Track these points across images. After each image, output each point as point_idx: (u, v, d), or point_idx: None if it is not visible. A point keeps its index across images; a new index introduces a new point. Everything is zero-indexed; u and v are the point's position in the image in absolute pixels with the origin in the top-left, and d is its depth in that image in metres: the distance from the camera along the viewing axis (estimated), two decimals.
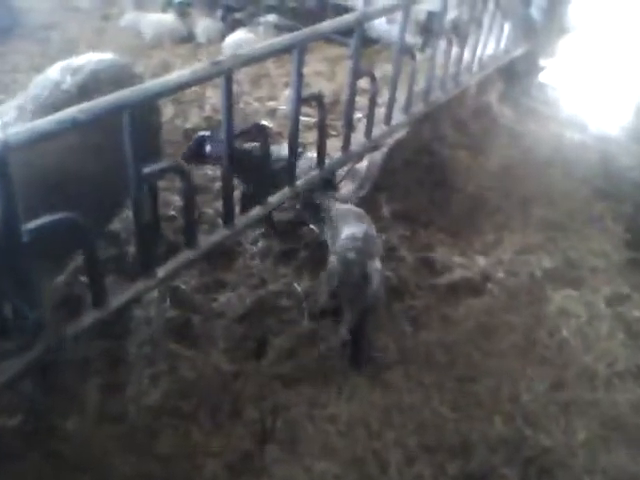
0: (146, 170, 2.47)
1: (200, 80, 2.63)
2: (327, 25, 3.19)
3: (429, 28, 7.65)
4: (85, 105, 2.14)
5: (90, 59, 3.14)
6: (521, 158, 5.16)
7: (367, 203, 4.36)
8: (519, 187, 4.78)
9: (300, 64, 3.07)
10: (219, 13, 7.44)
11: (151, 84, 2.40)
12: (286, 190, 3.37)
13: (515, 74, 6.07)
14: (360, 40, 3.47)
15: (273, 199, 3.29)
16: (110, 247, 3.78)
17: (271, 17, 7.42)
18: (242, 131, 3.10)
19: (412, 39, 7.84)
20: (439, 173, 4.81)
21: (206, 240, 2.92)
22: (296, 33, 2.99)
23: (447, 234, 4.21)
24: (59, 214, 2.19)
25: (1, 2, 7.02)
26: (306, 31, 3.06)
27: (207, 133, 3.81)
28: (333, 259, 3.12)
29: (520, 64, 6.02)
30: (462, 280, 3.74)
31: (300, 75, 3.10)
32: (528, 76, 6.18)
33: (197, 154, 3.77)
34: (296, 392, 2.91)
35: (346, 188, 4.51)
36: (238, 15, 7.58)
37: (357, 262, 3.01)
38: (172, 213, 4.22)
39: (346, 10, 7.97)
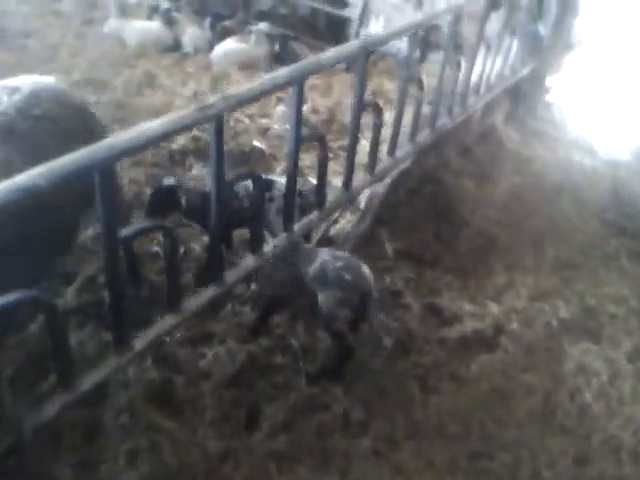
0: (123, 233, 2.11)
1: (186, 127, 2.27)
2: (329, 56, 2.84)
3: (428, 40, 7.34)
4: (46, 168, 1.77)
5: (28, 80, 2.99)
6: (529, 186, 4.84)
7: (368, 238, 4.03)
8: (529, 220, 4.46)
9: (299, 101, 2.72)
10: (207, 21, 7.03)
11: (127, 137, 2.03)
12: (283, 236, 3.01)
13: (520, 93, 5.75)
14: (364, 70, 3.12)
15: (268, 247, 2.93)
16: (85, 292, 3.42)
17: (262, 25, 7.04)
18: (234, 179, 2.73)
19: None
20: (444, 204, 4.48)
21: (191, 302, 2.56)
22: (294, 67, 2.63)
23: (455, 275, 3.87)
24: (20, 293, 1.84)
25: None
26: (305, 64, 2.71)
27: (172, 181, 3.39)
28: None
29: (526, 83, 5.70)
30: (473, 332, 3.41)
31: (299, 113, 2.75)
32: (534, 95, 5.87)
33: (166, 206, 3.37)
34: (293, 476, 2.56)
35: (345, 221, 4.18)
36: (227, 23, 7.19)
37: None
38: (155, 249, 3.86)
39: (340, 20, 7.65)
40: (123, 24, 7.03)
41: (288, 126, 2.83)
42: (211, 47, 6.90)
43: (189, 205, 3.31)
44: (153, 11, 7.23)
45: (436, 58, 7.24)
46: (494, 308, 3.62)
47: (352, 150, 3.30)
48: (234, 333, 3.25)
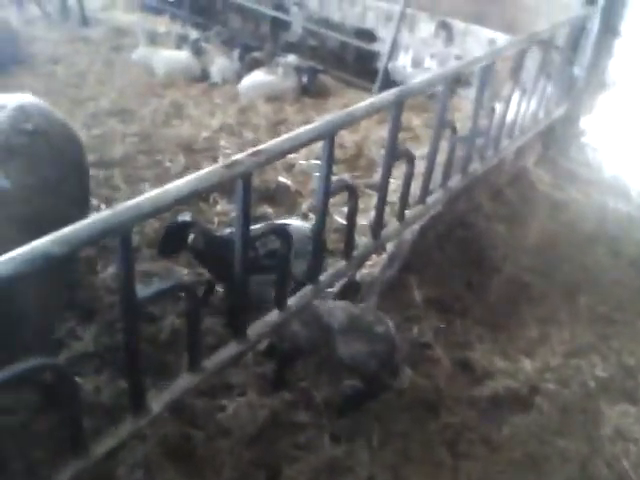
0: (141, 294, 1.99)
1: (212, 187, 2.16)
2: (362, 108, 2.72)
3: (458, 76, 7.24)
4: (61, 234, 1.67)
5: (11, 97, 3.07)
6: (563, 232, 4.68)
7: (396, 285, 3.89)
8: (562, 268, 4.29)
9: (330, 155, 2.60)
10: (236, 52, 7.02)
11: (152, 198, 1.92)
12: (308, 290, 2.89)
13: (554, 134, 5.61)
14: (397, 120, 3.01)
15: (292, 301, 2.80)
16: (103, 336, 3.32)
17: (290, 58, 7.00)
18: (259, 234, 2.59)
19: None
20: (475, 249, 4.34)
21: (212, 360, 2.43)
22: (325, 121, 2.52)
23: (486, 327, 3.71)
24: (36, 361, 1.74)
25: (6, 32, 6.59)
26: (337, 118, 2.59)
27: (188, 218, 3.29)
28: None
29: (559, 124, 5.56)
30: (506, 391, 3.24)
31: (330, 167, 2.63)
32: (567, 136, 5.72)
33: (175, 241, 3.26)
34: None
35: (372, 268, 4.04)
36: (256, 54, 7.16)
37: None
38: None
39: (369, 54, 7.60)
40: (152, 53, 7.04)
41: (318, 173, 2.71)
42: (239, 78, 6.86)
43: (197, 246, 3.21)
44: (182, 40, 7.23)
45: (467, 94, 7.19)
46: (527, 364, 3.45)
47: (382, 200, 3.18)
48: (255, 385, 3.11)
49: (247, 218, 2.30)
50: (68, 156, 3.16)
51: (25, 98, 3.13)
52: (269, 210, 4.69)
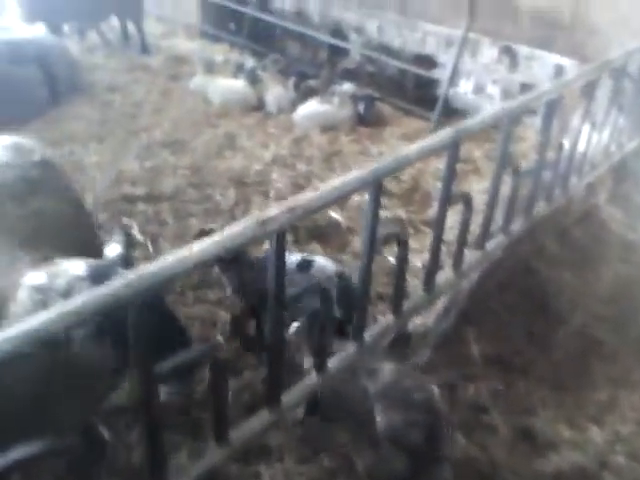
0: (158, 369, 1.81)
1: (243, 245, 1.97)
2: (413, 152, 2.50)
3: None
4: (64, 307, 1.50)
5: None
6: (637, 277, 4.29)
7: (451, 338, 3.61)
8: (638, 321, 3.91)
9: (376, 204, 2.38)
10: (291, 81, 6.90)
11: (173, 262, 1.74)
12: (351, 349, 2.65)
13: (626, 169, 5.21)
14: (454, 160, 2.77)
15: (333, 363, 2.57)
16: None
17: (346, 86, 6.83)
18: (295, 295, 2.37)
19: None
20: (539, 298, 4.00)
21: (242, 431, 2.23)
22: (372, 168, 2.30)
23: (550, 388, 3.38)
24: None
25: (65, 60, 6.68)
26: (387, 164, 2.37)
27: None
28: None
29: (632, 157, 5.16)
30: (572, 467, 2.90)
31: (376, 216, 2.41)
32: None
33: None
34: None
35: (426, 317, 3.77)
36: (312, 82, 7.03)
37: None
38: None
39: (429, 82, 7.35)
40: (208, 81, 7.01)
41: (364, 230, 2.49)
42: (294, 107, 6.74)
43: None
44: (238, 69, 7.17)
45: (532, 122, 6.84)
46: (596, 434, 3.10)
47: (436, 249, 2.93)
48: (293, 449, 2.89)
49: (281, 276, 2.09)
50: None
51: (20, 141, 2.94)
52: (318, 248, 4.48)
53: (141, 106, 6.63)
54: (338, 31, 8.30)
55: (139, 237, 4.24)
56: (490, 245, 3.39)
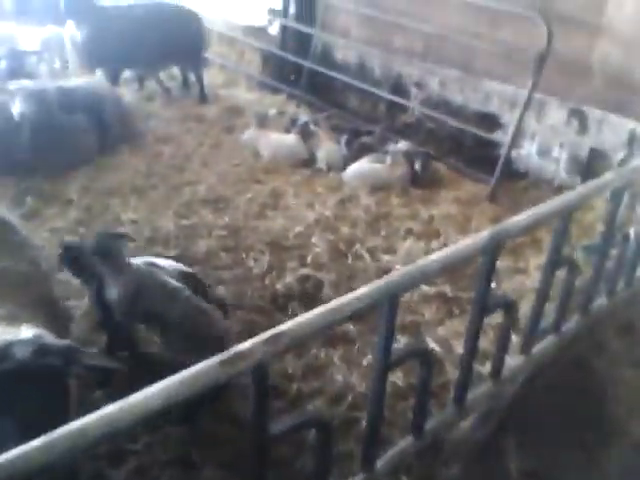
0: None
1: (205, 390, 1.65)
2: (437, 262, 2.15)
3: (591, 168, 6.42)
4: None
5: None
6: None
7: (487, 449, 3.17)
8: None
9: (391, 321, 2.04)
10: (344, 136, 6.65)
11: (94, 422, 1.43)
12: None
13: None
14: (492, 264, 2.40)
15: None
16: None
17: (401, 144, 6.54)
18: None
19: (567, 177, 6.65)
20: (594, 403, 3.51)
21: None
22: (383, 284, 1.97)
23: None
24: None
25: (116, 110, 6.67)
26: (400, 279, 2.03)
27: None
28: None
29: None
30: None
31: (390, 335, 2.07)
32: None
33: None
34: None
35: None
36: (366, 139, 6.76)
37: None
38: None
39: (490, 142, 6.96)
40: (260, 134, 6.86)
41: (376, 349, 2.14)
42: (346, 164, 6.48)
43: None
44: (292, 123, 7.00)
45: None
46: None
47: (469, 363, 2.54)
48: None
49: (265, 416, 1.77)
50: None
51: None
52: (351, 328, 4.14)
53: (190, 158, 6.52)
54: (399, 85, 8.06)
55: None
56: (537, 349, 2.97)
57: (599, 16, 6.03)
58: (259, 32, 9.10)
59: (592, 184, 2.81)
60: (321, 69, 8.24)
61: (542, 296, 2.82)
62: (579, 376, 3.62)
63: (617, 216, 3.03)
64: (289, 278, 4.53)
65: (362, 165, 6.35)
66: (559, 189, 6.63)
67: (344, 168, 6.44)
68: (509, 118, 6.98)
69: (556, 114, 6.58)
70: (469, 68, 7.23)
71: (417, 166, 6.37)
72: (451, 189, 6.35)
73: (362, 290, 1.93)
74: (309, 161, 6.71)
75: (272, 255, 4.85)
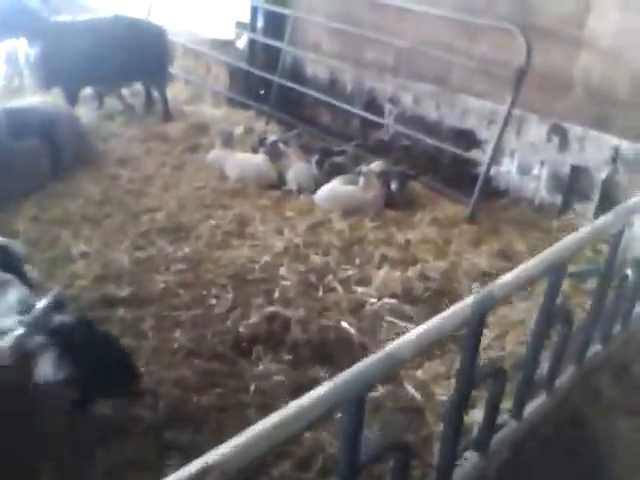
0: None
1: None
2: (419, 339, 1.77)
3: (573, 186, 6.13)
4: None
5: None
6: None
7: None
8: None
9: (356, 427, 1.65)
10: (315, 156, 6.28)
11: None
12: None
13: None
14: (476, 340, 2.03)
15: None
16: None
17: (374, 165, 6.19)
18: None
19: (548, 196, 6.35)
20: (589, 458, 3.17)
21: None
22: (349, 377, 1.59)
23: None
24: None
25: (72, 132, 6.23)
26: (375, 363, 1.65)
27: None
28: None
29: None
30: None
31: (357, 441, 1.67)
32: None
33: None
34: None
35: None
36: (338, 159, 6.40)
37: None
38: None
39: (466, 160, 6.65)
40: (226, 155, 6.47)
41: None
42: (317, 186, 6.11)
43: None
44: (260, 143, 6.62)
45: (585, 210, 6.04)
46: None
47: (453, 435, 2.17)
48: None
49: None
50: None
51: None
52: (322, 374, 3.75)
53: (150, 182, 6.10)
54: (372, 101, 7.73)
55: None
56: (529, 410, 2.61)
57: (580, 29, 5.76)
58: (226, 46, 8.73)
59: (589, 229, 2.46)
60: (291, 84, 7.87)
61: (532, 361, 2.46)
62: (572, 430, 3.28)
63: (614, 262, 2.69)
64: (254, 317, 4.13)
65: (334, 187, 5.99)
66: (540, 207, 6.35)
67: (315, 190, 6.07)
68: (487, 135, 6.68)
69: (536, 130, 6.29)
70: (445, 83, 6.93)
71: (393, 186, 6.03)
72: (428, 210, 6.01)
73: (320, 390, 1.54)
74: (278, 183, 6.33)
75: (236, 291, 4.45)
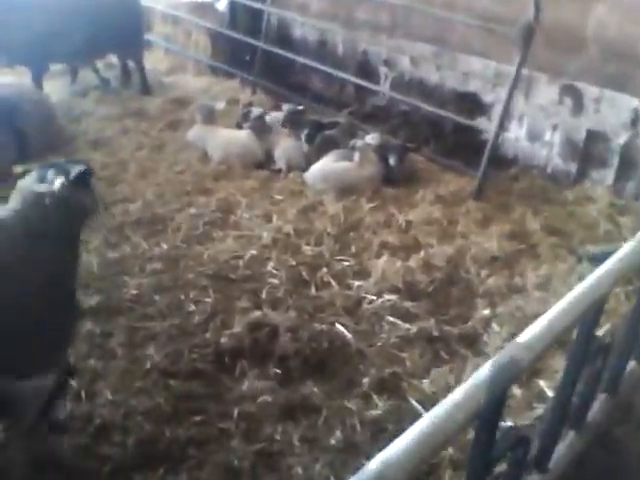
0: None
1: None
2: (423, 431, 1.29)
3: (589, 153, 5.59)
4: None
5: None
6: None
7: None
8: None
9: None
10: (305, 131, 5.72)
11: None
12: None
13: None
14: (497, 414, 1.55)
15: None
16: None
17: (370, 138, 5.66)
18: None
19: (562, 163, 5.81)
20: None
21: None
22: None
23: None
24: None
25: (40, 112, 5.69)
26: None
27: None
28: None
29: None
30: None
31: None
32: None
33: None
34: None
35: None
36: (330, 133, 5.85)
37: None
38: None
39: (472, 128, 6.10)
40: (207, 133, 5.93)
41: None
42: (308, 164, 5.59)
43: None
44: (244, 118, 6.05)
45: (602, 177, 5.51)
46: None
47: None
48: None
49: None
50: None
51: None
52: (314, 390, 3.31)
53: (125, 167, 5.58)
54: (365, 64, 7.13)
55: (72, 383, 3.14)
56: (554, 460, 2.15)
57: None
58: (205, 8, 8.06)
59: (624, 257, 1.95)
60: (277, 50, 7.24)
61: (558, 416, 1.99)
62: (602, 451, 2.84)
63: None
64: (237, 326, 3.66)
65: (326, 164, 5.47)
66: (553, 177, 5.82)
67: (306, 168, 5.55)
68: (492, 98, 6.14)
69: (547, 92, 5.73)
70: (444, 43, 6.33)
71: (392, 161, 5.51)
72: (431, 186, 5.50)
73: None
74: (265, 161, 5.81)
75: (217, 293, 3.98)
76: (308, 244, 4.61)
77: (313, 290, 4.11)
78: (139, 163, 5.67)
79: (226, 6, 7.83)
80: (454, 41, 6.23)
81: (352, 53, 7.23)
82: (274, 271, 4.24)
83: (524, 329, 3.87)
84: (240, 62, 7.79)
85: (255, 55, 7.49)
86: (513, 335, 3.89)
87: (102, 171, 5.46)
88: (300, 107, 6.03)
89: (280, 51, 7.15)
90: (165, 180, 5.38)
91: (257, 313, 3.78)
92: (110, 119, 6.50)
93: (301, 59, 7.05)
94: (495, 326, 3.90)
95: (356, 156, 5.43)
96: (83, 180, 2.77)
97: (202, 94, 7.15)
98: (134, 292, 3.94)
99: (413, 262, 4.43)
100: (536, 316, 4.07)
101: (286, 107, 5.95)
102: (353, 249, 4.60)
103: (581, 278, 4.21)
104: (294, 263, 4.35)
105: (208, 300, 3.90)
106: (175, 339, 3.59)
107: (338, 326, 3.78)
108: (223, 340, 3.56)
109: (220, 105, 6.16)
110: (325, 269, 4.32)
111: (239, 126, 6.06)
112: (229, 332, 3.62)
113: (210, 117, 6.05)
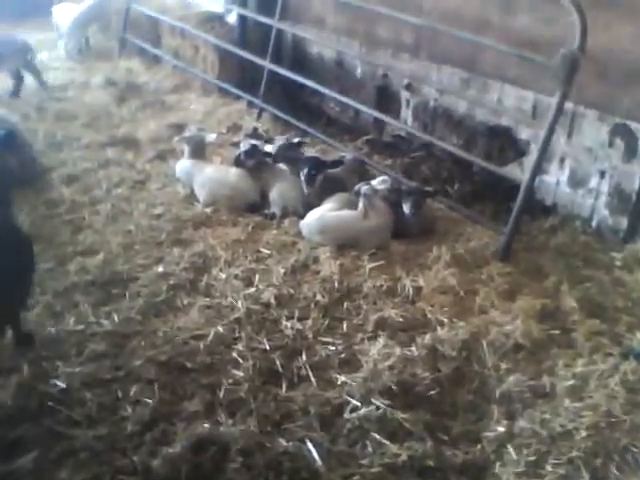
0: None
1: None
2: None
3: None
4: None
5: None
6: None
7: None
8: None
9: None
10: (304, 169, 4.90)
11: None
12: None
13: None
14: None
15: None
16: None
17: (379, 181, 4.83)
18: None
19: (609, 217, 4.85)
20: None
21: None
22: None
23: None
24: None
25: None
26: None
27: None
28: None
29: None
30: None
31: None
32: None
33: None
34: None
35: None
36: (333, 172, 5.03)
37: None
38: None
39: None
40: (195, 168, 5.18)
41: None
42: (307, 209, 4.79)
43: None
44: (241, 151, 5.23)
45: None
46: None
47: None
48: None
49: None
50: None
51: None
52: None
53: (96, 208, 4.88)
54: (385, 88, 6.28)
55: None
56: None
57: None
58: (215, 20, 7.35)
59: None
60: (282, 71, 6.43)
61: None
62: None
63: None
64: (177, 444, 2.88)
65: (326, 212, 4.65)
66: (598, 232, 4.88)
67: (304, 214, 4.75)
68: (528, 134, 5.21)
69: (594, 132, 4.80)
70: (474, 67, 5.43)
71: (406, 209, 4.64)
72: (448, 241, 4.63)
73: None
74: (261, 203, 5.04)
75: (164, 391, 3.22)
76: (290, 317, 3.82)
77: (284, 388, 3.31)
78: (114, 202, 4.97)
79: (236, 20, 7.08)
80: (486, 66, 5.35)
81: (371, 74, 6.40)
82: (240, 359, 3.46)
83: (547, 458, 2.99)
84: (251, 80, 7.02)
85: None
86: (532, 464, 3.04)
87: (68, 213, 4.80)
88: (296, 139, 5.23)
89: (286, 72, 6.35)
90: (137, 227, 4.66)
91: (206, 425, 3.00)
92: (94, 148, 5.82)
93: (310, 83, 6.20)
94: (511, 450, 3.03)
95: (360, 204, 4.60)
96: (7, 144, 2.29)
97: (203, 117, 6.45)
98: (62, 386, 3.20)
99: (416, 349, 3.59)
100: (564, 436, 3.17)
101: (280, 140, 5.15)
102: (344, 327, 3.79)
103: (625, 382, 3.35)
104: (267, 347, 3.56)
105: (150, 401, 3.14)
106: (97, 458, 2.83)
107: (309, 445, 2.97)
108: (155, 464, 2.79)
109: (210, 138, 5.38)
110: (304, 356, 3.51)
111: (238, 162, 5.22)
112: (165, 451, 2.85)
113: (199, 150, 5.30)
